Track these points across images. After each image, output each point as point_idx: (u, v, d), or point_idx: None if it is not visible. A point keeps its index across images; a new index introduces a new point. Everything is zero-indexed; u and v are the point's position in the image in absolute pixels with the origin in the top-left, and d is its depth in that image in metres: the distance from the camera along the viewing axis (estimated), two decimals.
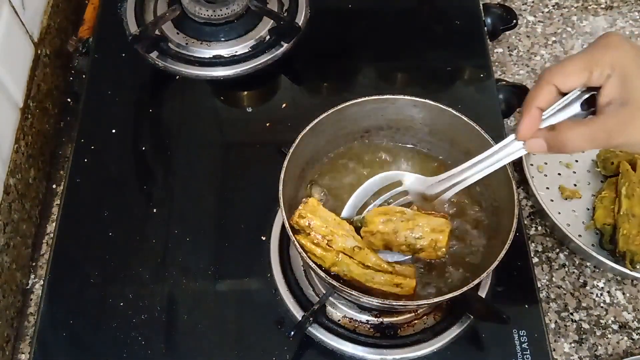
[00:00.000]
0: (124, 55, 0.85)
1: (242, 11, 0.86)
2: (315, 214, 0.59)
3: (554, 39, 0.96)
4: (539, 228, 0.78)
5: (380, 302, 0.55)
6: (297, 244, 0.56)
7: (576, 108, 0.50)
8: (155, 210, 0.73)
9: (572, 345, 0.70)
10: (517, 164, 0.81)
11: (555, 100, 0.50)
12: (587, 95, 0.49)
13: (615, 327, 0.72)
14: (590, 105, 0.49)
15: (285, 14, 0.89)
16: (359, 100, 0.64)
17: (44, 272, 0.70)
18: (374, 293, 0.58)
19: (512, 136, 0.53)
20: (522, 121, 0.51)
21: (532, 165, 0.82)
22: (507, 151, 0.54)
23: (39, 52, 0.83)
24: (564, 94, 0.50)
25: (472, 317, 0.65)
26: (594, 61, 0.47)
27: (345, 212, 0.63)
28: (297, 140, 0.61)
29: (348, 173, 0.68)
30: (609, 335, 0.71)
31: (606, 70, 0.46)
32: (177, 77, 0.84)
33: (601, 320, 0.72)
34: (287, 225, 0.58)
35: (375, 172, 0.65)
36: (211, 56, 0.85)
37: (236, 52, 0.86)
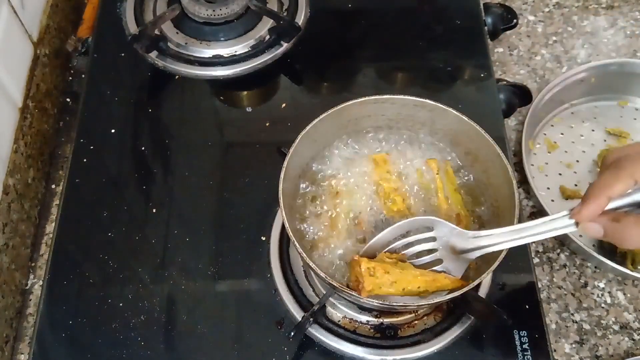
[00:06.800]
0: (123, 55, 0.85)
1: (242, 11, 0.86)
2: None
3: (554, 38, 0.96)
4: None
5: (380, 302, 0.55)
6: (297, 245, 0.56)
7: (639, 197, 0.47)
8: (155, 210, 0.73)
9: (573, 345, 0.70)
10: (518, 164, 0.81)
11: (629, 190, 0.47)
12: None
13: (616, 327, 0.71)
14: None
15: (285, 14, 0.89)
16: (359, 100, 0.64)
17: (43, 272, 0.70)
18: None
19: (564, 212, 0.50)
20: (586, 206, 0.47)
21: (532, 165, 0.82)
22: (555, 225, 0.51)
23: (38, 51, 0.83)
24: None
25: (472, 317, 0.65)
26: None
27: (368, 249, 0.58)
28: (297, 140, 0.60)
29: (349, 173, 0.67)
30: (610, 336, 0.71)
31: None
32: (177, 76, 0.84)
33: (602, 321, 0.72)
34: (287, 225, 0.57)
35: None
36: (211, 56, 0.85)
37: (236, 51, 0.85)
